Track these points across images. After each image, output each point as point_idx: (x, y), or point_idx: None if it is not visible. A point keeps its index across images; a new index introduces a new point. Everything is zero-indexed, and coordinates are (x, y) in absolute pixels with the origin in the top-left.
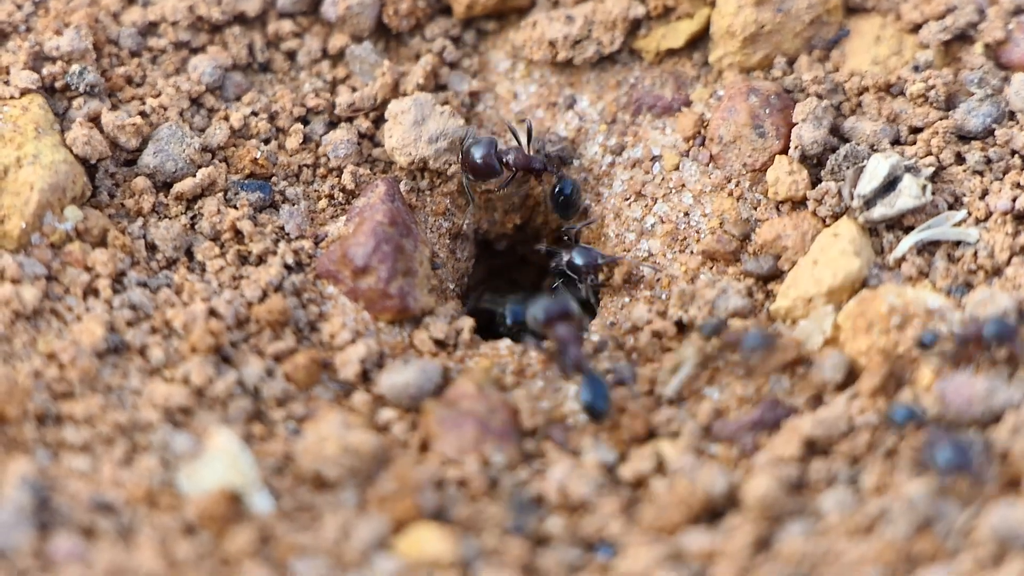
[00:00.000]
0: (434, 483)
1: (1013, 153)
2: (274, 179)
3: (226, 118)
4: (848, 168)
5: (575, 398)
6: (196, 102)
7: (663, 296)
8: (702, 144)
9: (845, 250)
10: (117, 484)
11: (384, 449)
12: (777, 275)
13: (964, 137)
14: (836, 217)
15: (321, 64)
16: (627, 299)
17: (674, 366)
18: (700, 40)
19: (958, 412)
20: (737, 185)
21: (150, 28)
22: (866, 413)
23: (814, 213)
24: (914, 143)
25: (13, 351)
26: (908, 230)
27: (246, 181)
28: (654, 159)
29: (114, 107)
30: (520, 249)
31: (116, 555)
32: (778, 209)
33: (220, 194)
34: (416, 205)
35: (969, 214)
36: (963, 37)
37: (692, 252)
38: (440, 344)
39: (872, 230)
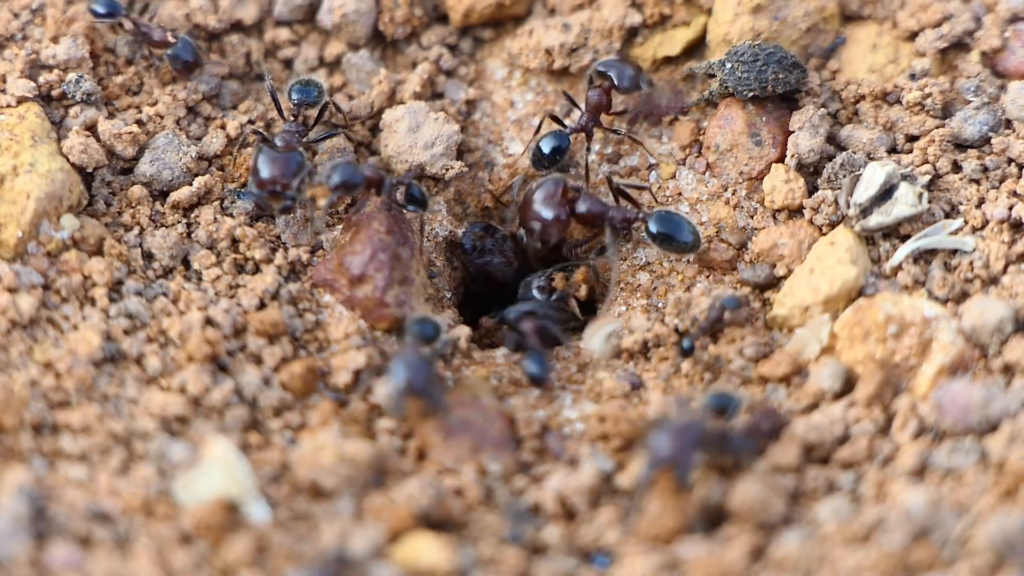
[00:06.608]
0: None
1: (1010, 161)
2: None
3: (223, 126)
4: (844, 176)
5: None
6: (193, 110)
7: (660, 304)
8: (699, 153)
9: (842, 258)
10: (114, 493)
11: (381, 458)
12: (774, 284)
13: (960, 145)
14: (833, 225)
15: (318, 72)
16: (623, 308)
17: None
18: (697, 48)
19: (955, 421)
20: (734, 194)
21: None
22: (862, 422)
23: (810, 221)
24: (910, 151)
25: (9, 360)
26: (904, 238)
27: (243, 190)
28: (651, 167)
29: (111, 115)
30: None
31: (112, 564)
32: (775, 218)
33: (216, 203)
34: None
35: (965, 222)
36: (959, 45)
37: (689, 261)
38: None
39: (868, 238)
